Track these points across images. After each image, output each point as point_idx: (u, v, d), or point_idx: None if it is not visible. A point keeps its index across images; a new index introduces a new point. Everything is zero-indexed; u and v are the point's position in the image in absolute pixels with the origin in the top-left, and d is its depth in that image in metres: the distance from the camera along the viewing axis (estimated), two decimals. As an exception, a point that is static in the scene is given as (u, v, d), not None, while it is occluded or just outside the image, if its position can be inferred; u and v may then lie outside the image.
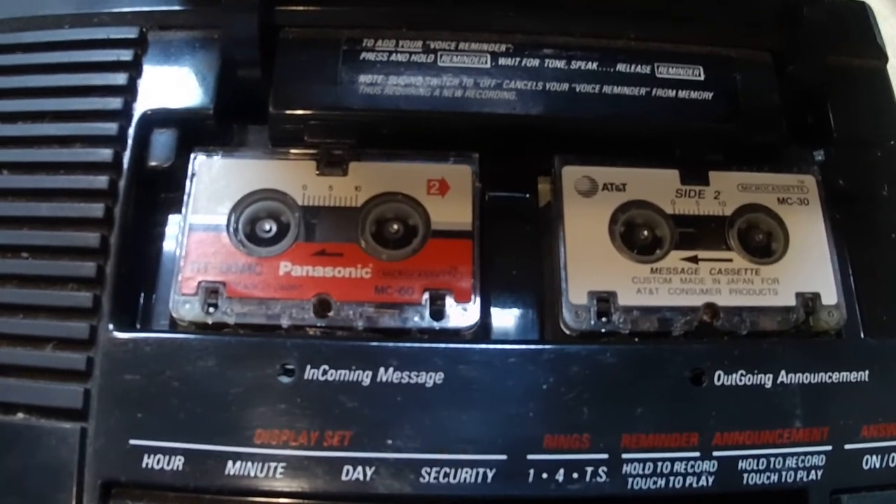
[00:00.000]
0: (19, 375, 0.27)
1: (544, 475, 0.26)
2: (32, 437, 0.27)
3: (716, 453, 0.26)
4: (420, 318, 0.27)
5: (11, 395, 0.27)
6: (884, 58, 0.31)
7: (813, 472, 0.27)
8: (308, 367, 0.26)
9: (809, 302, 0.28)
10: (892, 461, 0.27)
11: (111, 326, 0.27)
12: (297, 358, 0.26)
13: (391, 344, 0.26)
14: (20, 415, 0.27)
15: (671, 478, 0.26)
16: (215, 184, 0.28)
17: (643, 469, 0.26)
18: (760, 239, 0.28)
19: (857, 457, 0.27)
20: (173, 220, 0.29)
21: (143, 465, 0.26)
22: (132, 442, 0.26)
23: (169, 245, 0.29)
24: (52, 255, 0.27)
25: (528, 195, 0.29)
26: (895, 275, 0.29)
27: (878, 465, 0.27)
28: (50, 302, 0.27)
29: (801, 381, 0.27)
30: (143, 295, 0.28)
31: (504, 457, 0.26)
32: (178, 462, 0.26)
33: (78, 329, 0.27)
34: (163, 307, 0.28)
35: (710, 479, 0.26)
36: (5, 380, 0.27)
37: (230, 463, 0.26)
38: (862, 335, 0.29)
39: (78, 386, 0.27)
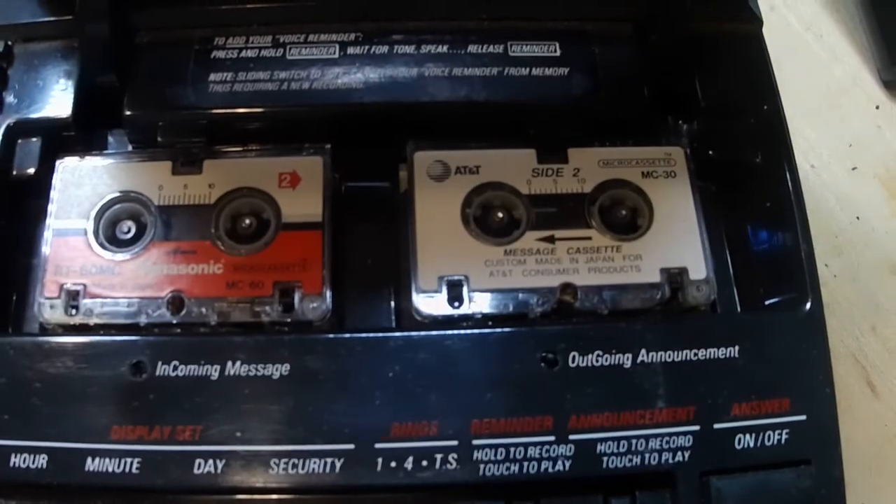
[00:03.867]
0: None
1: (393, 463, 0.25)
2: None
3: (572, 437, 0.25)
4: (271, 312, 0.27)
5: None
6: (757, 21, 0.30)
7: (679, 453, 0.26)
8: (159, 363, 0.26)
9: (676, 277, 0.27)
10: (768, 440, 0.26)
11: (-24, 331, 0.28)
12: (148, 355, 0.26)
13: (237, 338, 0.26)
14: None
15: (525, 463, 0.25)
16: (77, 189, 0.29)
17: (495, 455, 0.25)
18: (623, 215, 0.28)
19: (728, 436, 0.26)
20: (39, 227, 0.29)
21: (11, 464, 0.27)
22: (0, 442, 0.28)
23: (34, 250, 0.29)
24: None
25: (388, 184, 0.29)
26: (770, 246, 0.28)
27: (751, 445, 0.26)
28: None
29: (663, 360, 0.26)
30: (11, 299, 0.29)
31: (352, 446, 0.25)
32: (41, 460, 0.27)
33: (-57, 335, 0.28)
34: (31, 311, 0.29)
35: (567, 464, 0.25)
36: None
37: (89, 459, 0.26)
38: (739, 309, 0.28)
39: (-55, 389, 0.28)
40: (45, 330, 0.28)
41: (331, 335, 0.26)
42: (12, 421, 0.27)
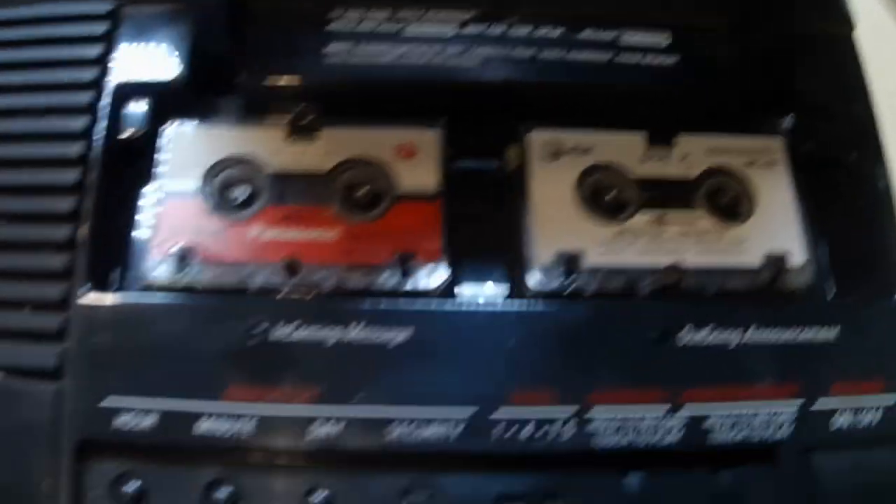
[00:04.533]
0: (-1, 339, 0.28)
1: (512, 430, 0.26)
2: (6, 398, 0.28)
3: (684, 410, 0.26)
4: (388, 279, 0.27)
5: (-14, 358, 0.28)
6: (850, 25, 0.31)
7: (782, 429, 0.27)
8: (278, 325, 0.26)
9: (777, 262, 0.28)
10: (865, 419, 0.28)
11: (85, 290, 0.27)
12: (266, 317, 0.26)
13: (358, 302, 0.27)
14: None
15: (639, 434, 0.26)
16: (187, 152, 0.29)
17: (610, 425, 0.26)
18: (727, 201, 0.29)
19: (828, 415, 0.27)
20: (147, 189, 0.29)
21: (117, 423, 0.27)
22: (106, 401, 0.27)
23: (142, 212, 0.29)
24: (26, 221, 0.28)
25: (497, 162, 0.29)
26: (864, 239, 0.30)
27: (849, 424, 0.27)
28: (23, 266, 0.28)
29: (768, 340, 0.27)
30: (117, 260, 0.28)
31: (472, 412, 0.26)
32: (151, 420, 0.27)
33: (52, 292, 0.27)
34: (137, 272, 0.28)
35: (679, 436, 0.26)
36: (-21, 342, 0.28)
37: (202, 419, 0.26)
38: (831, 297, 0.29)
39: (52, 347, 0.27)
40: (149, 290, 0.28)
41: (453, 303, 0.27)
42: (120, 380, 0.27)
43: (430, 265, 0.27)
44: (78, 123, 0.29)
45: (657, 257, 0.28)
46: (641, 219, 0.28)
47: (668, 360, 0.26)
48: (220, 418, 0.26)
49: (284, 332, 0.26)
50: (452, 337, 0.26)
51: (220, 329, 0.26)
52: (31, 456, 0.27)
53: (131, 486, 0.27)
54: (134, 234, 0.29)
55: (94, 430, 0.27)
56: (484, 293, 0.28)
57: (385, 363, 0.26)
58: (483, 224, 0.28)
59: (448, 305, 0.27)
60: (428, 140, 0.29)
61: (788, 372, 0.27)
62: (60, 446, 0.27)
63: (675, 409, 0.26)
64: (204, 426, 0.26)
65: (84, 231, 0.28)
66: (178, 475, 0.27)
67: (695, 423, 0.26)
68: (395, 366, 0.26)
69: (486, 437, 0.26)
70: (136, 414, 0.27)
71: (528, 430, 0.26)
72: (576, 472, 0.26)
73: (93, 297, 0.27)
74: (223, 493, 0.27)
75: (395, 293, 0.27)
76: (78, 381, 0.26)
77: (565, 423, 0.26)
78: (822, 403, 0.27)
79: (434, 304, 0.27)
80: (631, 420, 0.26)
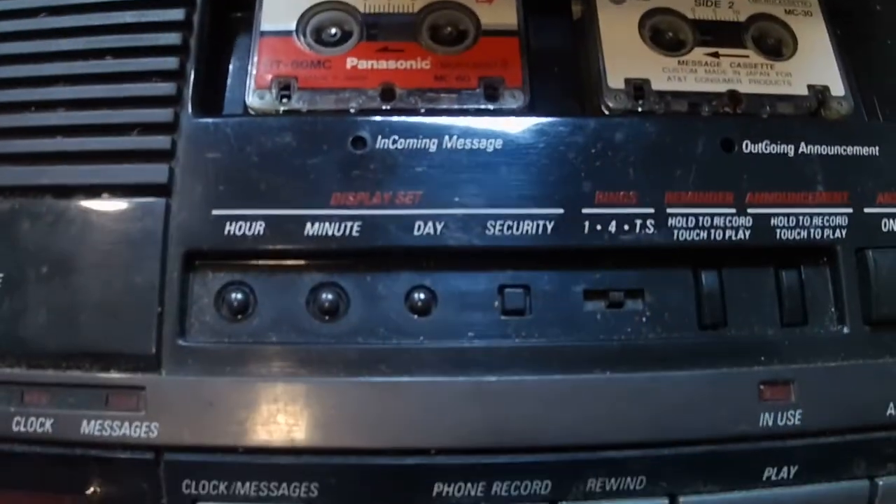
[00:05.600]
0: (105, 161, 0.29)
1: (598, 227, 0.28)
2: (118, 214, 0.29)
3: (750, 210, 0.29)
4: (476, 101, 0.30)
5: (96, 178, 0.29)
6: None
7: (838, 230, 0.29)
8: (378, 137, 0.28)
9: (821, 92, 0.31)
10: (907, 224, 0.31)
11: (193, 112, 0.29)
12: (368, 130, 0.28)
13: (454, 116, 0.29)
14: (105, 195, 0.29)
15: (712, 231, 0.28)
16: (283, -2, 0.32)
17: (686, 222, 0.28)
18: (772, 42, 0.32)
19: (876, 219, 0.30)
20: (246, 30, 0.31)
21: (226, 231, 0.28)
22: (215, 212, 0.28)
23: (242, 48, 0.31)
24: (136, 55, 0.30)
25: (563, 10, 0.32)
26: (892, 75, 0.33)
27: (894, 228, 0.30)
28: (135, 93, 0.29)
29: (819, 153, 0.30)
30: (220, 88, 0.30)
31: (561, 210, 0.28)
32: (259, 227, 0.28)
33: (162, 115, 0.29)
34: (237, 103, 0.30)
35: (747, 233, 0.29)
36: (90, 165, 0.29)
37: (309, 224, 0.28)
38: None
39: (162, 165, 0.29)
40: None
41: (536, 119, 0.29)
42: (227, 192, 0.28)
43: (514, 90, 0.30)
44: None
45: (715, 85, 0.31)
46: (699, 53, 0.31)
47: (732, 166, 0.29)
48: (326, 222, 0.28)
49: (385, 143, 0.28)
50: (539, 145, 0.28)
51: (323, 142, 0.28)
52: (141, 267, 0.28)
53: (237, 295, 0.28)
54: (236, 66, 0.31)
55: (204, 239, 0.28)
56: (563, 112, 0.31)
57: (480, 169, 0.28)
58: (558, 57, 0.31)
59: (532, 120, 0.29)
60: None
61: (838, 181, 0.29)
62: (169, 257, 0.28)
63: (741, 211, 0.29)
64: (311, 230, 0.28)
65: (191, 61, 0.30)
66: (284, 281, 0.29)
67: (760, 223, 0.29)
68: (488, 171, 0.28)
69: (575, 232, 0.28)
70: (246, 221, 0.28)
71: (612, 227, 0.28)
72: (656, 268, 0.29)
73: (200, 120, 0.28)
74: (328, 296, 0.28)
75: (485, 111, 0.30)
76: (186, 194, 0.28)
77: (645, 220, 0.28)
78: (870, 209, 0.30)
79: (520, 120, 0.29)
80: (704, 218, 0.28)
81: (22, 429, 0.28)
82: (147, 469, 0.27)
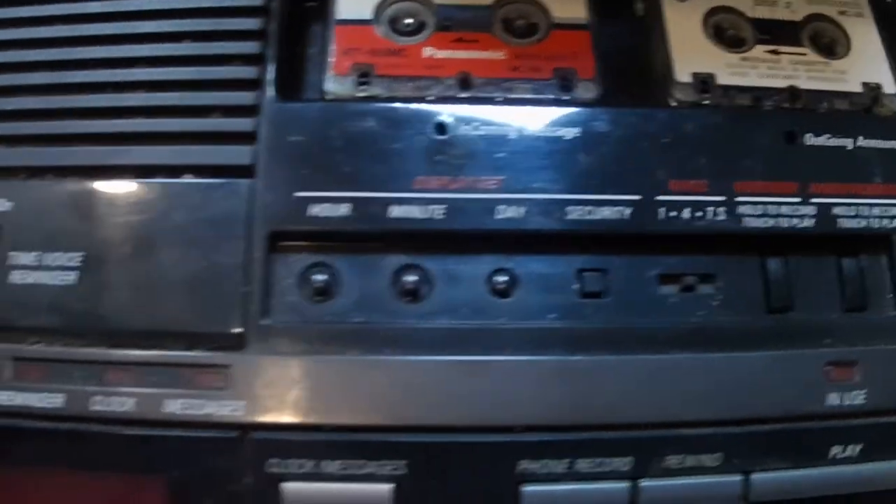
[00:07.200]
0: (186, 142, 0.29)
1: (672, 213, 0.29)
2: (202, 194, 0.29)
3: (813, 200, 0.30)
4: (551, 92, 0.31)
5: (178, 159, 0.29)
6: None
7: (895, 220, 0.31)
8: (459, 123, 0.29)
9: (874, 90, 0.32)
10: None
11: (275, 97, 0.30)
12: (449, 117, 0.29)
13: (530, 105, 0.30)
14: (187, 176, 0.29)
15: (779, 219, 0.30)
16: (360, -14, 0.32)
17: (755, 210, 0.30)
18: (826, 41, 0.33)
19: (929, 211, 0.32)
20: (319, 18, 0.31)
21: (309, 213, 0.29)
22: (298, 194, 0.29)
23: (316, 36, 0.31)
24: (215, 39, 0.30)
25: (625, 7, 0.33)
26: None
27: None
28: (216, 76, 0.30)
29: (875, 146, 0.31)
30: (300, 74, 0.31)
31: (638, 197, 0.29)
32: (343, 209, 0.29)
33: (244, 98, 0.29)
34: (313, 89, 0.30)
35: (812, 221, 0.30)
36: (172, 146, 0.29)
37: (393, 207, 0.29)
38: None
39: (245, 147, 0.29)
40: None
41: (611, 110, 0.30)
42: (311, 175, 0.29)
43: (587, 81, 0.31)
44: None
45: (776, 81, 0.32)
46: (759, 50, 0.33)
47: (795, 158, 0.30)
48: (411, 205, 0.28)
49: (465, 129, 0.29)
50: (618, 134, 0.29)
51: (405, 127, 0.29)
52: (226, 247, 0.28)
53: (321, 276, 0.29)
54: (310, 53, 0.31)
55: (288, 220, 0.28)
56: (635, 103, 0.32)
57: (558, 156, 0.29)
58: (627, 50, 0.32)
59: (607, 110, 0.30)
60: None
61: (894, 174, 0.31)
62: (253, 238, 0.29)
63: (805, 200, 0.30)
64: (396, 212, 0.29)
65: (271, 46, 0.30)
66: (368, 263, 0.29)
67: (823, 212, 0.30)
68: (566, 158, 0.29)
69: (651, 218, 0.29)
70: (330, 203, 0.29)
71: (686, 214, 0.29)
72: (726, 254, 0.30)
73: (284, 104, 0.29)
74: (412, 277, 0.29)
75: (560, 101, 0.30)
76: (270, 176, 0.29)
77: (716, 207, 0.29)
78: (925, 202, 0.32)
79: (595, 110, 0.30)
80: (770, 206, 0.30)
81: (101, 408, 0.28)
82: (231, 448, 0.27)
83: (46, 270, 0.29)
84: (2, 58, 0.31)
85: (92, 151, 0.29)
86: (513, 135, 0.29)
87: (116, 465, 0.28)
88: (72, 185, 0.29)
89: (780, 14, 0.33)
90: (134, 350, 0.28)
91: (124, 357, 0.28)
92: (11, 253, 0.29)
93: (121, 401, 0.28)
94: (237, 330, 0.27)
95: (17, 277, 0.29)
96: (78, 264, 0.29)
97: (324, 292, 0.28)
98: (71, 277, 0.29)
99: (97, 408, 0.28)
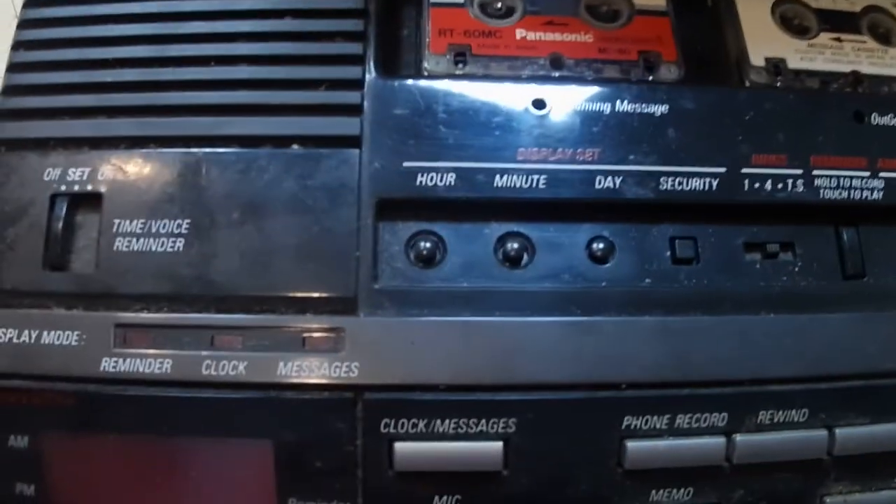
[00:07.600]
0: (293, 113, 0.30)
1: (756, 184, 0.31)
2: (311, 163, 0.30)
3: (882, 174, 0.32)
4: (637, 73, 0.32)
5: (286, 129, 0.30)
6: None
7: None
8: (557, 100, 0.31)
9: (929, 77, 0.35)
10: None
11: (378, 73, 0.31)
12: (546, 93, 0.31)
13: (625, 83, 0.31)
14: (295, 146, 0.30)
15: (851, 191, 0.32)
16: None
17: (830, 183, 0.31)
18: (883, 31, 0.36)
19: None
20: (416, 2, 0.33)
21: (417, 182, 0.30)
22: (406, 164, 0.30)
23: (409, 17, 0.33)
24: (317, 16, 0.31)
25: None
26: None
27: None
28: (321, 52, 0.31)
29: (936, 126, 0.34)
30: (398, 52, 0.32)
31: (724, 169, 0.31)
32: (450, 178, 0.30)
33: (350, 72, 0.30)
34: (410, 66, 0.32)
35: (881, 194, 0.32)
36: (279, 117, 0.30)
37: (497, 177, 0.30)
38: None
39: (354, 118, 0.30)
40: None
41: (695, 88, 0.31)
42: (418, 146, 0.30)
43: (670, 63, 0.33)
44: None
45: (840, 65, 0.34)
46: (824, 38, 0.35)
47: (864, 135, 0.32)
48: (515, 175, 0.30)
49: (563, 105, 0.30)
50: (704, 111, 0.31)
51: (505, 103, 0.30)
52: (337, 212, 0.29)
53: (426, 244, 0.30)
54: (405, 33, 0.33)
55: (396, 189, 0.30)
56: (716, 84, 0.33)
57: (649, 130, 0.30)
58: (703, 36, 0.34)
59: (692, 90, 0.31)
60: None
61: (951, 152, 0.34)
62: (362, 204, 0.29)
63: (874, 174, 0.32)
64: (500, 182, 0.30)
65: (372, 24, 0.31)
66: (472, 230, 0.30)
67: (891, 185, 0.32)
68: (657, 133, 0.30)
69: (737, 189, 0.30)
70: (438, 173, 0.30)
71: (768, 185, 0.31)
72: (804, 224, 0.31)
73: (387, 79, 0.30)
74: (514, 244, 0.30)
75: (647, 81, 0.32)
76: (377, 147, 0.30)
77: (795, 180, 0.31)
78: None
79: (681, 89, 0.31)
80: (844, 179, 0.31)
81: (213, 372, 0.29)
82: (345, 410, 0.28)
83: (153, 237, 0.30)
84: (105, 31, 0.32)
85: (196, 122, 0.30)
86: (606, 111, 0.31)
87: (223, 430, 0.29)
88: (176, 155, 0.30)
89: (840, 5, 0.36)
90: (243, 314, 0.29)
91: (235, 321, 0.29)
92: (116, 220, 0.30)
93: (233, 364, 0.29)
94: (352, 294, 0.28)
95: (122, 244, 0.30)
96: (185, 231, 0.30)
97: (429, 259, 0.30)
98: (178, 244, 0.29)
99: (209, 372, 0.29)
